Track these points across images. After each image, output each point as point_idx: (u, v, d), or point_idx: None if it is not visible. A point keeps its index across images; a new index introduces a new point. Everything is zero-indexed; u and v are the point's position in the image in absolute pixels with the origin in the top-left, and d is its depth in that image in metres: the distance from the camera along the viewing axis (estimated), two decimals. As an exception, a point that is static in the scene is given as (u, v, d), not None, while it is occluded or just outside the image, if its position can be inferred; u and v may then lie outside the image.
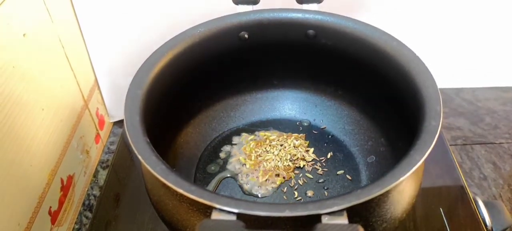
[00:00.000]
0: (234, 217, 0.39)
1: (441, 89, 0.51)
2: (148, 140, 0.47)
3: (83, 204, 0.74)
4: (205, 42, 0.62)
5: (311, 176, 0.68)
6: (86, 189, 0.76)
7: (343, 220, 0.38)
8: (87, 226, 0.69)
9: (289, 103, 0.77)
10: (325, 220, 0.38)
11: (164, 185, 0.42)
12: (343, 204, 0.39)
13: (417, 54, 0.55)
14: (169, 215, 0.49)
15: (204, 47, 0.63)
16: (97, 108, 0.82)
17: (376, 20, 0.62)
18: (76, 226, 0.70)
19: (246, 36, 0.65)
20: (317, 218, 0.38)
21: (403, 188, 0.48)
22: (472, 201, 0.64)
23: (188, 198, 0.40)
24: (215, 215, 0.39)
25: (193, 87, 0.68)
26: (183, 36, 0.61)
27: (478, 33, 0.88)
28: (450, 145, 0.78)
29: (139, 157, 0.45)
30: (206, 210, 0.41)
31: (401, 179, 0.41)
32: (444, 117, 0.86)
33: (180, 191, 0.41)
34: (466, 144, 0.84)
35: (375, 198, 0.41)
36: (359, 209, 0.43)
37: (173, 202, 0.48)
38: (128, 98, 0.52)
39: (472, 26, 0.86)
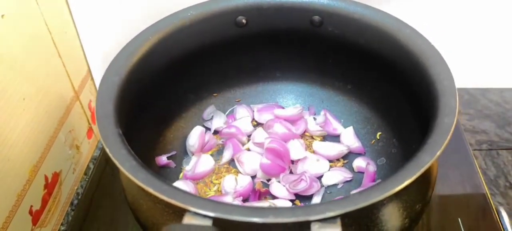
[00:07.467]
0: (209, 222, 0.36)
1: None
2: (121, 132, 0.45)
3: (71, 203, 0.70)
4: (197, 26, 0.60)
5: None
6: (76, 187, 0.72)
7: (336, 228, 0.35)
8: (70, 225, 0.66)
9: (293, 98, 0.72)
10: (315, 228, 0.35)
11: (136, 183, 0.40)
12: (337, 210, 0.35)
13: (439, 50, 0.53)
14: (144, 217, 0.47)
15: (196, 32, 0.60)
16: (90, 100, 0.79)
17: (391, 9, 0.59)
18: (62, 228, 0.66)
19: (244, 21, 0.62)
20: (306, 225, 0.35)
21: (409, 193, 0.44)
22: (495, 211, 0.62)
23: (162, 199, 0.38)
24: (187, 219, 0.36)
25: (184, 77, 0.65)
26: (171, 19, 0.58)
27: (508, 28, 0.84)
28: (474, 150, 0.75)
29: (107, 150, 0.42)
30: (183, 213, 0.38)
31: (406, 182, 0.38)
32: (468, 119, 0.85)
33: (149, 190, 0.39)
34: (492, 149, 0.80)
35: (375, 204, 0.37)
36: (356, 216, 0.40)
37: (148, 203, 0.46)
38: (102, 85, 0.49)
39: (501, 20, 0.82)
